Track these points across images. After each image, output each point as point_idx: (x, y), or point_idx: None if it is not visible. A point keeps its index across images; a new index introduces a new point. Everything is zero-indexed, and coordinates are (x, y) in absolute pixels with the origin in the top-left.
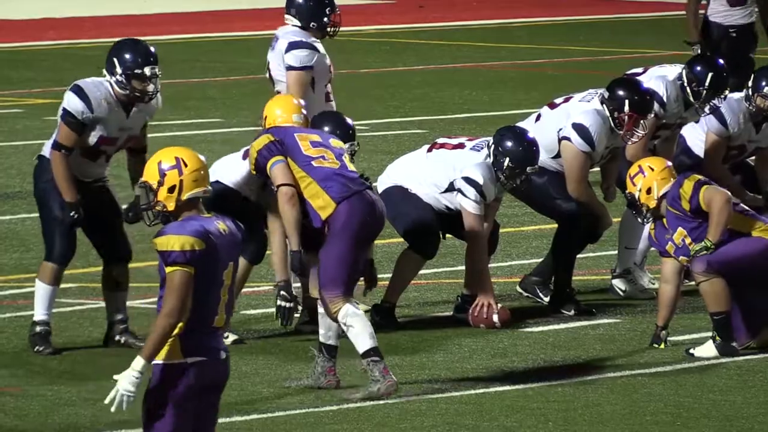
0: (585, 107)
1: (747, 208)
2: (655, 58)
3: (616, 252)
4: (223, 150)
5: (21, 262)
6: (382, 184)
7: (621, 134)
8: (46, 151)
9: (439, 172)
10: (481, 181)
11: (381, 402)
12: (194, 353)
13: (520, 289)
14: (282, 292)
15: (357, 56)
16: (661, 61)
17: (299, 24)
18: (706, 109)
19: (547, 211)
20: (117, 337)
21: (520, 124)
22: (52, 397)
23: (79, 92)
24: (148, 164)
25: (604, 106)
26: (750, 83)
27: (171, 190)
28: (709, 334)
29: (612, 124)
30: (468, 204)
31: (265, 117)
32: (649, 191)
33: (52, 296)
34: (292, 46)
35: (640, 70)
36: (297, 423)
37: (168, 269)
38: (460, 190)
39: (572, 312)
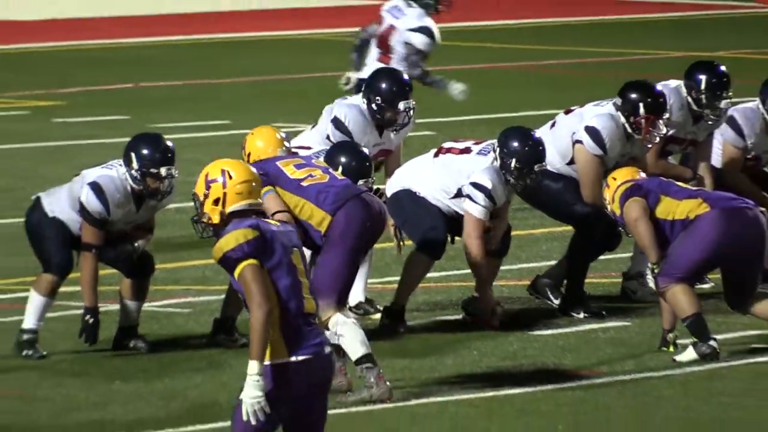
0: (598, 111)
1: (683, 187)
2: (666, 60)
3: (627, 255)
4: (230, 153)
5: (28, 264)
6: (391, 188)
7: (641, 138)
8: (45, 197)
9: (446, 177)
10: (489, 185)
11: (391, 406)
12: (299, 351)
13: (530, 291)
14: None
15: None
16: (673, 62)
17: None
18: (714, 116)
19: (563, 217)
20: (126, 341)
21: (535, 132)
22: (61, 401)
23: (98, 193)
24: (200, 175)
25: (619, 112)
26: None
27: (216, 202)
28: (723, 336)
29: (629, 130)
30: (475, 209)
31: (249, 153)
32: (613, 201)
33: (46, 307)
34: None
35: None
36: None
37: (235, 272)
38: (468, 196)
39: (582, 315)
